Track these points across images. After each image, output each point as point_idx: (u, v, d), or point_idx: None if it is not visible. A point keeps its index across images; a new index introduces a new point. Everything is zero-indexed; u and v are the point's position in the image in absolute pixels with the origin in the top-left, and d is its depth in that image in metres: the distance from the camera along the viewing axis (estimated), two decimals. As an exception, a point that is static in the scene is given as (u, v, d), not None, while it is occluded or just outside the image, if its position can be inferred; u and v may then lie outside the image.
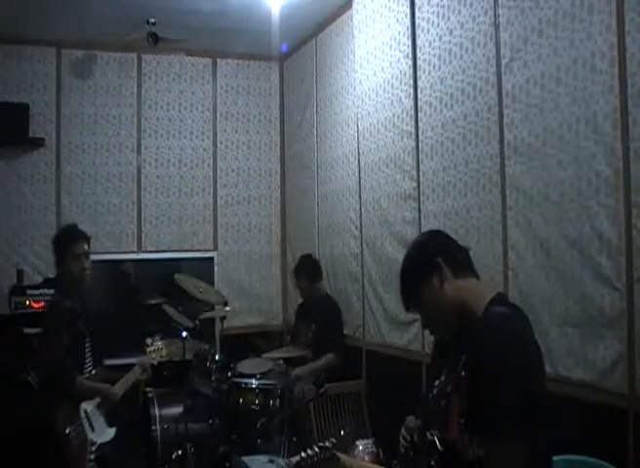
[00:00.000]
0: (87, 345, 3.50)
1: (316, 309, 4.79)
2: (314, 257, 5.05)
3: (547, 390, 1.68)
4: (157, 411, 4.16)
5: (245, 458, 3.14)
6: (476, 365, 1.59)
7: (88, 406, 3.37)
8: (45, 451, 3.24)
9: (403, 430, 2.23)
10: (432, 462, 1.76)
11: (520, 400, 1.52)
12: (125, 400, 3.57)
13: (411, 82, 3.93)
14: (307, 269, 4.89)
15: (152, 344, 3.76)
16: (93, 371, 3.51)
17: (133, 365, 3.75)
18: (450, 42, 3.55)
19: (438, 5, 3.65)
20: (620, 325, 2.56)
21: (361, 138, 4.56)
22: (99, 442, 3.34)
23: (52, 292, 4.14)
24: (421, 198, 3.85)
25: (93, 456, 3.28)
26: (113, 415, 3.50)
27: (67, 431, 3.18)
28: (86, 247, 3.48)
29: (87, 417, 3.33)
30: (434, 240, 1.92)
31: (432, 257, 1.79)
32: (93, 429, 3.33)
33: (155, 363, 3.74)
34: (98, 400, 3.42)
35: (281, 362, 4.27)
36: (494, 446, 1.53)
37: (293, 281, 5.24)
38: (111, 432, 3.45)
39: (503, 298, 1.82)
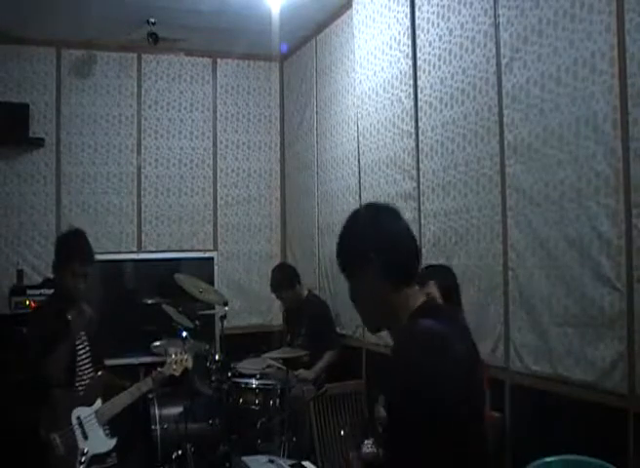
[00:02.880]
0: (81, 349, 3.28)
1: (304, 312, 4.74)
2: (286, 264, 5.01)
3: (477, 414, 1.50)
4: (157, 411, 4.16)
5: (245, 458, 3.14)
6: (385, 385, 1.49)
7: (83, 412, 3.17)
8: (27, 455, 3.11)
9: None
10: None
11: (414, 430, 1.38)
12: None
13: (411, 82, 3.92)
14: (283, 279, 4.80)
15: (176, 354, 3.51)
16: (91, 374, 3.31)
17: (132, 365, 3.67)
18: (450, 42, 3.55)
19: (438, 5, 3.64)
20: (620, 325, 2.56)
21: (361, 138, 4.56)
22: (91, 452, 3.07)
23: (51, 292, 4.11)
24: (421, 198, 3.85)
25: (82, 467, 2.99)
26: (115, 425, 3.28)
27: (52, 438, 3.01)
28: (89, 269, 3.25)
29: (80, 424, 3.13)
30: (377, 228, 1.60)
31: (367, 251, 1.55)
32: (86, 437, 3.12)
33: (177, 374, 3.49)
34: (97, 406, 3.22)
35: (281, 362, 4.27)
36: None
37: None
38: (110, 443, 3.21)
39: (431, 306, 1.61)
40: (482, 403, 1.58)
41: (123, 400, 3.30)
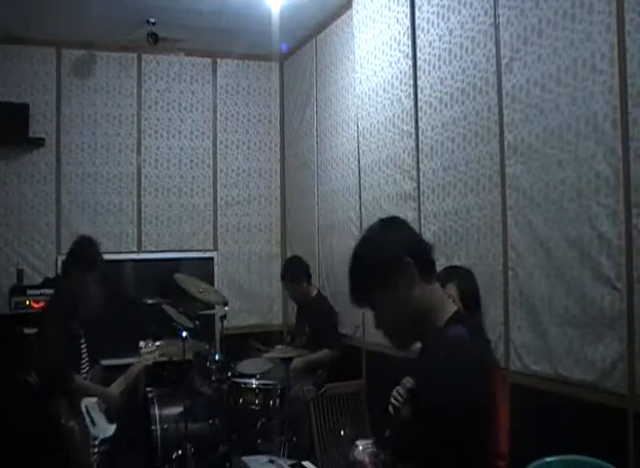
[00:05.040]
0: (82, 346, 3.50)
1: (309, 310, 4.78)
2: (299, 258, 5.01)
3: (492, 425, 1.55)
4: (157, 411, 4.16)
5: (245, 458, 3.14)
6: (421, 392, 1.47)
7: (88, 401, 3.40)
8: (49, 448, 3.24)
9: (400, 388, 2.19)
10: None
11: (447, 444, 1.39)
12: (125, 399, 3.58)
13: (411, 82, 3.92)
14: (293, 271, 4.84)
15: (145, 347, 3.80)
16: (89, 371, 3.52)
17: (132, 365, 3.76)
18: (450, 42, 3.55)
19: (438, 5, 3.65)
20: (620, 325, 2.56)
21: (361, 138, 4.56)
22: (100, 436, 3.38)
23: (52, 291, 4.14)
24: (421, 198, 3.85)
25: (97, 450, 3.33)
26: (112, 412, 3.52)
27: (71, 424, 3.23)
28: (99, 273, 3.50)
29: (87, 413, 3.37)
30: (405, 234, 1.64)
31: (403, 256, 1.55)
32: (94, 424, 3.37)
33: (150, 363, 3.76)
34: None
35: (280, 362, 4.26)
36: None
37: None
38: (112, 428, 3.47)
39: (462, 317, 1.61)
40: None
41: (117, 387, 3.56)
